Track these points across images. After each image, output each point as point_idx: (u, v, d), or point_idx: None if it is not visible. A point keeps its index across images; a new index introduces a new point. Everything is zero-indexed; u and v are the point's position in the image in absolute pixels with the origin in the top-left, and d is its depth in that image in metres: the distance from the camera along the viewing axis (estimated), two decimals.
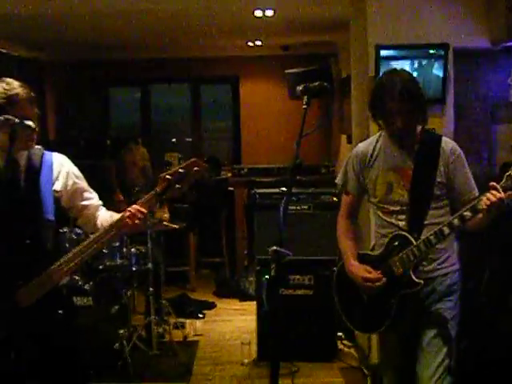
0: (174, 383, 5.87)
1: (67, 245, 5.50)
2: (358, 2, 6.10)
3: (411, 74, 3.80)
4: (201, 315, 7.79)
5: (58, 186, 3.51)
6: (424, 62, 5.64)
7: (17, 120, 3.24)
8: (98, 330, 5.83)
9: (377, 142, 3.86)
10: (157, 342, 6.37)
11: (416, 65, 5.64)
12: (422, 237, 3.58)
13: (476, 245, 4.72)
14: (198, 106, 11.01)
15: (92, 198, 3.68)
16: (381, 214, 3.81)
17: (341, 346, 6.49)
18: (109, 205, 3.81)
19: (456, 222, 3.46)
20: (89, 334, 5.42)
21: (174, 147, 10.02)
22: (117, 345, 5.97)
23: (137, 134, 10.25)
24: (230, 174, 9.92)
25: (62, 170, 3.56)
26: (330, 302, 6.08)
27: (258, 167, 9.37)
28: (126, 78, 10.94)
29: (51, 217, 3.45)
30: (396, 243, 3.68)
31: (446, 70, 5.64)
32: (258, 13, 7.15)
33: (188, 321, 7.44)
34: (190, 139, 10.97)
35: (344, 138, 8.77)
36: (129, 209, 3.36)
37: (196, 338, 7.02)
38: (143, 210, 3.37)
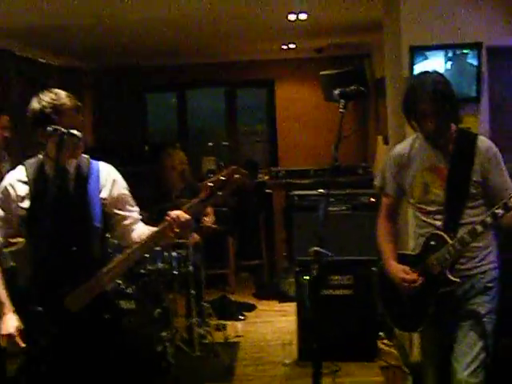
0: None
1: (109, 250, 5.60)
2: (391, 3, 6.15)
3: (442, 75, 3.86)
4: (241, 317, 7.86)
5: (103, 194, 3.61)
6: (458, 52, 5.67)
7: (64, 130, 3.35)
8: (141, 333, 5.92)
9: (413, 143, 3.92)
10: (199, 344, 6.45)
11: (450, 54, 5.69)
12: (458, 235, 3.62)
13: None
14: (233, 110, 11.10)
15: (133, 211, 3.75)
16: (419, 215, 3.87)
17: (381, 346, 6.51)
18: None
19: (488, 219, 3.48)
20: (132, 336, 5.52)
21: (210, 151, 10.14)
22: (160, 347, 6.07)
23: (174, 139, 10.37)
24: (267, 177, 9.97)
25: (108, 179, 3.65)
26: (369, 301, 6.20)
27: (295, 169, 9.41)
28: (163, 84, 11.06)
29: (99, 224, 3.55)
30: (432, 243, 3.73)
31: (479, 69, 5.67)
32: (292, 17, 7.22)
33: (229, 322, 7.51)
34: (227, 143, 11.04)
35: (380, 138, 8.79)
36: (172, 215, 3.41)
37: (237, 340, 7.09)
38: (187, 216, 3.41)
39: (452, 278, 3.66)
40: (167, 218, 3.41)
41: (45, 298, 3.40)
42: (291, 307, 7.63)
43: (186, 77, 10.58)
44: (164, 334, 6.12)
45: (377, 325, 6.36)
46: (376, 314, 6.26)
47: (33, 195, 3.50)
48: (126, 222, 3.70)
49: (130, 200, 3.75)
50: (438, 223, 3.74)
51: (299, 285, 6.38)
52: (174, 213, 3.41)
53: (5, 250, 5.27)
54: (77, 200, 3.53)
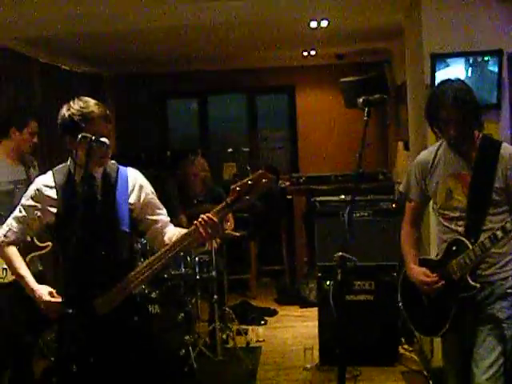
0: None
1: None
2: (413, 10, 6.19)
3: (465, 83, 3.90)
4: (263, 322, 7.92)
5: (132, 199, 3.67)
6: (479, 60, 5.70)
7: (93, 137, 3.42)
8: (166, 337, 5.99)
9: (438, 149, 3.96)
10: (221, 348, 6.51)
11: (471, 61, 5.72)
12: (479, 241, 3.66)
13: None
14: (254, 116, 11.14)
15: (162, 214, 3.81)
16: (442, 220, 3.91)
17: (402, 351, 6.54)
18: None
19: (508, 226, 3.51)
20: (157, 340, 5.59)
21: (231, 157, 10.19)
22: (183, 351, 6.13)
23: (195, 145, 10.43)
24: (288, 183, 10.01)
25: (136, 184, 3.72)
26: (390, 306, 6.23)
27: (316, 175, 9.44)
28: (184, 90, 11.11)
29: (127, 228, 3.61)
30: (454, 248, 3.78)
31: (500, 76, 5.70)
32: (314, 24, 7.26)
33: (250, 327, 7.56)
34: (248, 149, 11.06)
35: (401, 144, 8.81)
36: (200, 218, 3.45)
37: (258, 344, 7.14)
38: (215, 219, 3.44)
39: (472, 283, 3.70)
40: (196, 221, 3.45)
41: (75, 301, 3.48)
42: (312, 312, 7.69)
43: (207, 83, 10.62)
44: (187, 338, 6.19)
45: (397, 330, 6.40)
46: (397, 319, 6.32)
47: (61, 201, 3.58)
48: (157, 226, 3.77)
49: (158, 203, 3.81)
50: (460, 229, 3.78)
51: (321, 290, 6.42)
52: (202, 216, 3.45)
53: (34, 254, 5.40)
54: (105, 206, 3.60)
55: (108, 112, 3.61)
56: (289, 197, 9.88)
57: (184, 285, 6.49)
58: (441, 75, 5.64)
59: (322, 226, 6.48)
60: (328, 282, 6.32)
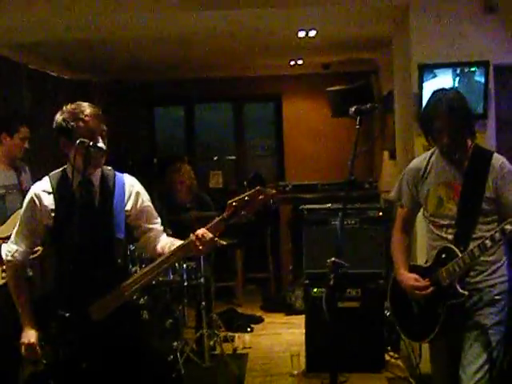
0: None
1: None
2: (401, 21, 6.27)
3: (459, 92, 3.97)
4: (249, 329, 7.96)
5: (128, 206, 3.70)
6: (466, 70, 5.79)
7: (91, 143, 3.45)
8: (154, 343, 6.02)
9: (430, 157, 4.01)
10: (208, 355, 6.54)
11: (458, 71, 5.81)
12: (468, 249, 3.71)
13: None
14: (241, 125, 11.18)
15: (157, 223, 3.84)
16: (432, 228, 3.97)
17: (387, 358, 6.61)
18: None
19: (497, 235, 3.56)
20: (146, 346, 5.61)
21: (217, 165, 10.24)
22: (171, 357, 6.16)
23: (182, 153, 10.47)
24: (274, 191, 10.00)
25: (132, 191, 3.74)
26: (376, 314, 6.32)
27: (303, 184, 9.49)
28: (170, 98, 11.15)
29: (122, 235, 3.64)
30: (443, 255, 3.83)
31: (486, 87, 5.78)
32: (302, 34, 7.30)
33: (237, 334, 7.61)
34: (234, 157, 11.13)
35: (386, 153, 8.89)
36: (196, 233, 3.47)
37: (245, 351, 7.19)
38: (210, 234, 3.47)
39: (461, 290, 3.75)
40: (192, 235, 3.47)
41: (69, 306, 3.50)
42: (298, 320, 7.78)
43: (194, 91, 10.66)
44: (175, 344, 6.23)
45: (383, 337, 6.46)
46: (383, 326, 6.38)
47: (58, 206, 3.59)
48: (151, 234, 3.79)
49: (154, 212, 3.84)
50: (450, 237, 3.84)
51: (308, 297, 6.47)
52: (199, 232, 3.47)
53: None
54: (102, 212, 3.61)
55: (100, 112, 3.63)
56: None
57: (171, 291, 6.53)
58: (428, 85, 5.73)
59: (310, 233, 6.55)
60: (316, 289, 6.38)
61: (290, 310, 8.57)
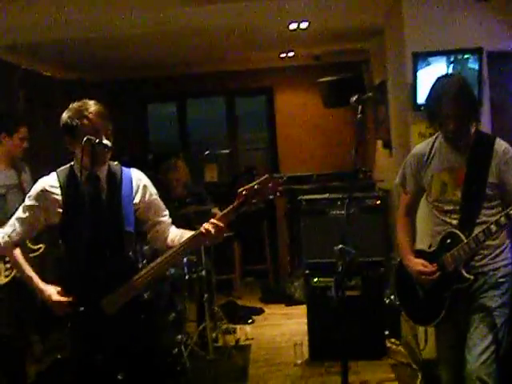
0: None
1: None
2: (393, 10, 6.31)
3: (464, 78, 4.02)
4: (250, 320, 8.02)
5: (136, 200, 3.73)
6: (460, 57, 5.84)
7: (97, 140, 3.49)
8: (159, 337, 6.05)
9: (433, 143, 4.05)
10: (212, 347, 6.58)
11: (452, 59, 5.85)
12: (473, 234, 3.76)
13: None
14: (233, 118, 11.20)
15: (165, 215, 3.88)
16: (436, 213, 4.02)
17: (389, 345, 6.66)
18: None
19: (502, 220, 3.62)
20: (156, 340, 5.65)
21: (212, 159, 10.26)
22: (175, 350, 6.20)
23: (176, 148, 10.49)
24: (284, 177, 10.02)
25: (140, 185, 3.78)
26: (377, 301, 6.37)
27: (298, 175, 9.53)
28: (163, 94, 11.16)
29: (131, 229, 3.67)
30: (448, 241, 3.88)
31: (480, 73, 5.83)
32: (293, 25, 7.32)
33: (238, 326, 7.66)
34: (227, 150, 11.15)
35: (380, 143, 8.93)
36: (209, 223, 3.51)
37: (248, 342, 7.24)
38: (221, 224, 3.51)
39: (466, 275, 3.81)
40: (204, 226, 3.51)
41: (82, 300, 3.54)
42: (298, 310, 7.86)
43: (185, 87, 10.68)
44: (179, 337, 6.26)
45: (384, 324, 6.52)
46: (383, 314, 6.44)
47: (67, 201, 3.62)
48: (160, 227, 3.83)
49: (162, 205, 3.88)
50: (454, 222, 3.89)
51: (309, 287, 6.53)
52: (211, 221, 3.51)
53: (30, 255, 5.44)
54: (110, 206, 3.65)
55: (103, 110, 3.68)
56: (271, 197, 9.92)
57: (173, 285, 6.56)
58: (423, 74, 5.79)
59: (309, 224, 6.58)
60: (316, 279, 6.43)
61: (290, 301, 8.62)
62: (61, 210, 3.63)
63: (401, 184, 4.25)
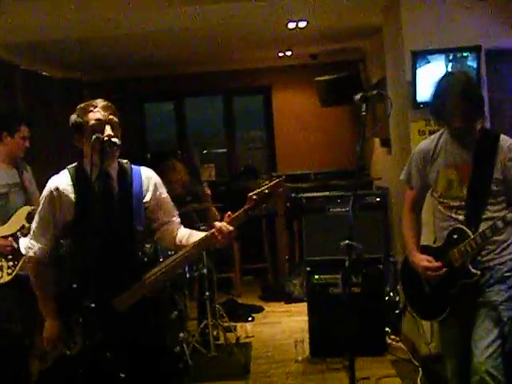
0: (235, 381, 6.14)
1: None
2: (391, 9, 6.34)
3: (469, 75, 4.05)
4: (250, 318, 8.07)
5: (146, 198, 3.73)
6: (458, 55, 5.87)
7: (106, 138, 3.51)
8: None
9: (439, 139, 4.08)
10: (213, 345, 6.63)
11: (451, 57, 5.87)
12: (479, 230, 3.79)
13: None
14: (231, 117, 11.22)
15: (175, 215, 3.88)
16: (442, 209, 4.04)
17: (389, 341, 6.70)
18: None
19: (509, 216, 3.66)
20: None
21: (209, 158, 10.29)
22: (178, 348, 6.24)
23: (173, 148, 10.52)
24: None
25: (150, 182, 3.78)
26: (377, 298, 6.42)
27: (296, 174, 9.57)
28: (160, 93, 11.17)
29: (141, 227, 3.68)
30: (455, 236, 3.91)
31: (479, 71, 5.87)
32: (292, 25, 7.34)
33: (239, 324, 7.70)
34: (225, 150, 11.21)
35: (377, 141, 8.97)
36: (218, 225, 3.53)
37: (248, 340, 7.28)
38: (230, 227, 3.54)
39: (473, 270, 3.84)
40: (215, 228, 3.53)
41: (93, 298, 3.54)
42: (298, 307, 7.92)
43: (183, 86, 10.70)
44: (181, 335, 6.30)
45: (384, 321, 6.56)
46: (383, 310, 6.49)
47: (79, 199, 3.61)
48: (169, 227, 3.83)
49: (171, 204, 3.88)
50: (461, 217, 3.91)
51: (310, 284, 6.57)
52: (221, 224, 3.53)
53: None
54: (121, 204, 3.65)
55: (109, 104, 3.68)
56: None
57: (174, 283, 6.58)
58: (422, 72, 5.82)
59: (309, 221, 6.62)
60: (317, 276, 6.48)
61: (290, 299, 8.66)
62: (74, 208, 3.62)
63: (406, 180, 4.27)
